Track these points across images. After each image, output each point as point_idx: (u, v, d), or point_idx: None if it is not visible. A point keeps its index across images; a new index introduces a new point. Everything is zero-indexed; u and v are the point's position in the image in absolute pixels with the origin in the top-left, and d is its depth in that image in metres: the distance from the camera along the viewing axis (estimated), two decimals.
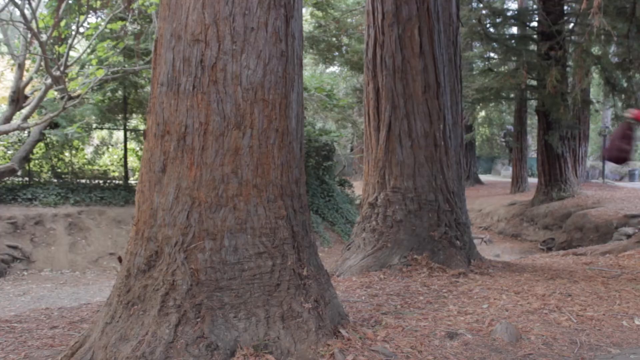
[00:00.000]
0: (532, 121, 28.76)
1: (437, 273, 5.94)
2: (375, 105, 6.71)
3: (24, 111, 10.40)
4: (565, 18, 16.13)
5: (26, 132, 13.23)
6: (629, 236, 12.15)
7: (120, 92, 14.50)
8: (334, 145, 17.88)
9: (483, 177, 31.02)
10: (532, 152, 32.59)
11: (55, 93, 11.74)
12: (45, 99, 10.58)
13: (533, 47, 17.36)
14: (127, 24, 8.41)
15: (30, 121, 10.15)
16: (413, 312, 4.44)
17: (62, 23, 7.50)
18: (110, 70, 8.62)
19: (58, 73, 7.75)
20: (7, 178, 12.87)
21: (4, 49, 11.05)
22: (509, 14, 17.84)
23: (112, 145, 16.47)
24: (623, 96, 15.15)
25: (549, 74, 12.85)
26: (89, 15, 8.66)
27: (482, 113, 26.93)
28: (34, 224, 11.70)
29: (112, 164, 15.44)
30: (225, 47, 3.23)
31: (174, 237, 3.20)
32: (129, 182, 14.83)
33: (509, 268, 6.83)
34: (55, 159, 14.13)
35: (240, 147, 3.24)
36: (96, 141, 16.78)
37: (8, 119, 11.05)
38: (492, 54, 18.37)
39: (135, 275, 3.27)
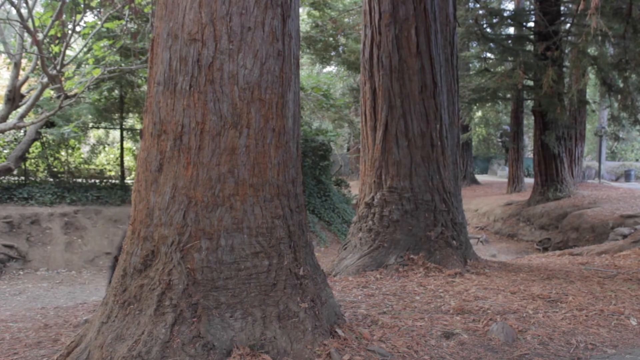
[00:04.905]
0: (529, 121, 28.83)
1: (434, 273, 5.95)
2: (372, 105, 6.71)
3: (20, 110, 10.36)
4: (562, 18, 16.18)
5: (22, 131, 13.19)
6: (625, 236, 12.19)
7: (116, 92, 14.47)
8: (331, 145, 17.88)
9: (479, 177, 31.09)
10: (529, 152, 32.67)
11: (52, 92, 11.71)
12: (41, 98, 10.54)
13: (530, 47, 17.41)
14: (124, 22, 8.37)
15: (27, 120, 10.11)
16: (409, 312, 4.44)
17: (57, 23, 7.46)
18: (107, 70, 8.59)
19: (54, 72, 7.72)
20: (3, 177, 12.83)
21: (0, 47, 11.01)
22: (505, 14, 17.89)
23: (108, 145, 16.44)
24: (619, 97, 15.20)
25: (546, 74, 12.87)
26: (86, 14, 8.62)
27: (479, 113, 26.94)
28: (30, 223, 11.67)
29: (109, 163, 15.41)
30: (222, 47, 3.22)
31: (170, 236, 3.19)
32: (126, 181, 14.81)
33: (505, 268, 6.84)
34: (52, 158, 14.10)
35: (236, 147, 3.24)
36: (92, 140, 16.74)
37: (4, 118, 11.01)
38: (488, 54, 18.41)
39: (132, 274, 3.26)
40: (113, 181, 14.66)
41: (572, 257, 9.00)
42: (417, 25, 6.46)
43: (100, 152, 15.69)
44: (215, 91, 3.22)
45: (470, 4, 17.01)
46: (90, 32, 8.90)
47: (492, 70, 17.78)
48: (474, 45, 19.02)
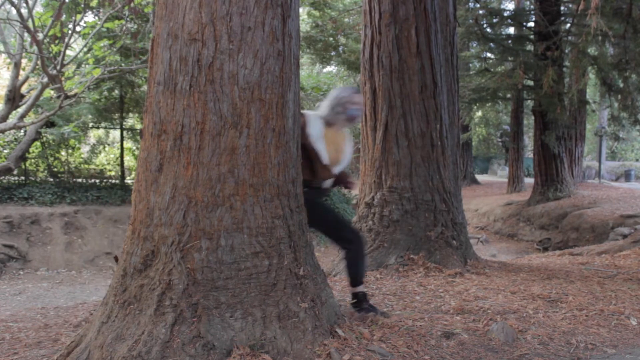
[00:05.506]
0: (529, 121, 28.83)
1: (434, 273, 5.95)
2: (372, 105, 6.71)
3: (20, 110, 10.36)
4: (562, 18, 16.18)
5: (22, 131, 13.19)
6: (625, 236, 12.19)
7: (116, 91, 14.48)
8: None
9: (479, 177, 31.09)
10: (529, 152, 32.68)
11: (52, 92, 11.71)
12: (41, 98, 10.55)
13: (530, 47, 17.41)
14: (124, 22, 8.38)
15: (27, 120, 10.11)
16: (409, 311, 4.44)
17: (57, 23, 7.47)
18: (107, 70, 8.59)
19: (54, 72, 7.73)
20: (3, 177, 12.84)
21: (0, 47, 11.01)
22: (505, 14, 17.89)
23: (108, 145, 16.45)
24: (619, 97, 15.20)
25: (546, 74, 12.87)
26: (86, 14, 8.62)
27: (479, 113, 26.94)
28: (30, 223, 11.67)
29: (109, 163, 15.42)
30: (222, 47, 3.22)
31: (171, 236, 3.19)
32: (126, 181, 14.82)
33: (505, 268, 6.84)
34: (52, 158, 14.10)
35: (236, 147, 3.24)
36: (92, 140, 16.74)
37: (4, 118, 11.01)
38: (489, 54, 18.40)
39: (132, 274, 3.26)
40: (113, 181, 14.66)
41: (572, 257, 9.00)
42: (417, 25, 6.47)
43: (100, 152, 15.69)
44: (215, 91, 3.22)
45: (470, 4, 17.01)
46: (90, 32, 8.89)
47: (492, 70, 17.77)
48: (474, 45, 19.01)
